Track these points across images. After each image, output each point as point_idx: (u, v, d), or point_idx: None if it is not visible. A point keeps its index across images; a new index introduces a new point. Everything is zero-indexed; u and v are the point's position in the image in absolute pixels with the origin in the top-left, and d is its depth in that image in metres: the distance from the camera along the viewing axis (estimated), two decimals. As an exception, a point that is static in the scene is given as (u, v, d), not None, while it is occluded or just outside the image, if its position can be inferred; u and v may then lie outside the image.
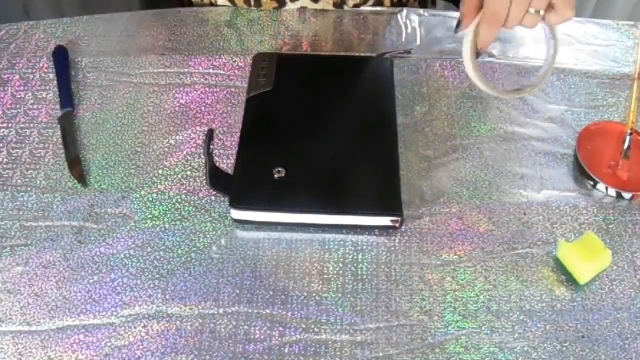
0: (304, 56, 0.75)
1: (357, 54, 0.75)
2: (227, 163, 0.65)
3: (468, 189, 0.63)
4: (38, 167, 0.65)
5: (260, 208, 0.59)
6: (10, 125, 0.69)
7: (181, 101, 0.71)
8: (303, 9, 0.81)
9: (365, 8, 0.81)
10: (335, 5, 0.80)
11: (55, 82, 0.73)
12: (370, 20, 0.80)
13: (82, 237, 0.60)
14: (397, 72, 0.73)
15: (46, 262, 0.58)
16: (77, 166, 0.65)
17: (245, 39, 0.77)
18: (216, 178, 0.60)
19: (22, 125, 0.69)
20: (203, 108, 0.70)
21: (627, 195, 0.62)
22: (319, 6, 0.80)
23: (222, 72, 0.73)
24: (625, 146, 0.65)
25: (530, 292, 0.56)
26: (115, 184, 0.64)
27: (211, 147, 0.59)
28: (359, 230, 0.60)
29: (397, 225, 0.59)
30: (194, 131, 0.68)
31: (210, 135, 0.59)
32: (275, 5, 0.80)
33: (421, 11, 0.81)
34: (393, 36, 0.78)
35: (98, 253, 0.59)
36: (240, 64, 0.74)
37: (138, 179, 0.64)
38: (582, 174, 0.64)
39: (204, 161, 0.62)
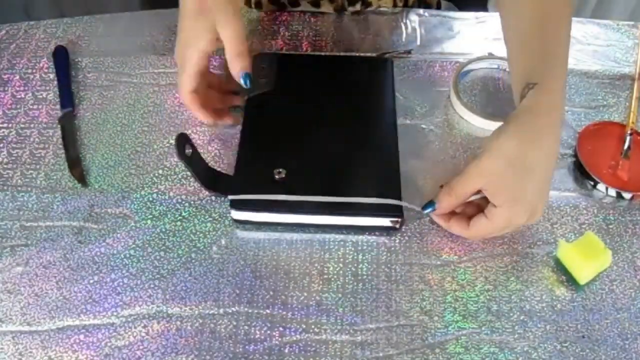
0: (304, 56, 0.75)
1: (357, 54, 0.75)
2: (227, 163, 0.65)
3: (468, 189, 0.63)
4: (38, 167, 0.65)
5: (261, 209, 0.59)
6: (10, 125, 0.69)
7: (181, 101, 0.70)
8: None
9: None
10: (335, 11, 0.80)
11: (55, 82, 0.73)
12: (371, 20, 0.79)
13: (82, 237, 0.60)
14: (397, 72, 0.73)
15: (46, 262, 0.58)
16: (77, 166, 0.65)
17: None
18: (214, 180, 0.60)
19: (22, 125, 0.69)
20: (203, 108, 0.70)
21: (627, 195, 0.62)
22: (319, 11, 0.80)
23: (222, 72, 0.73)
24: (625, 146, 0.65)
25: (530, 292, 0.56)
26: (115, 184, 0.64)
27: (188, 150, 0.57)
28: (359, 230, 0.60)
29: (397, 225, 0.59)
30: (194, 131, 0.68)
31: (181, 139, 0.56)
32: (274, 9, 0.80)
33: (421, 11, 0.81)
34: (393, 36, 0.78)
35: (98, 253, 0.59)
36: (240, 64, 0.74)
37: (138, 179, 0.64)
38: (582, 174, 0.64)
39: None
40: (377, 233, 0.60)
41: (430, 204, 0.57)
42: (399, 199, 0.58)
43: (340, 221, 0.59)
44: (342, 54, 0.76)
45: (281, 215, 0.59)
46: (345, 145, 0.63)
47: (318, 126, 0.64)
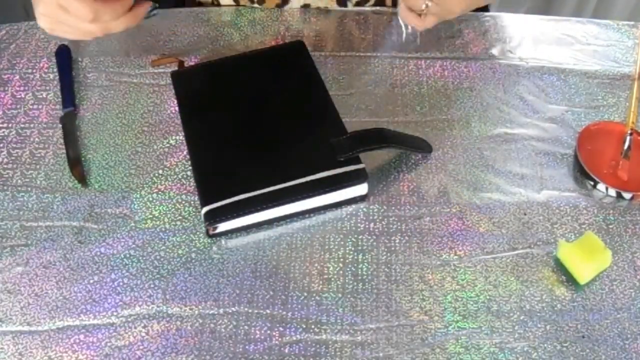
0: (220, 62, 0.72)
1: (357, 54, 0.75)
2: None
3: (468, 189, 0.63)
4: (38, 167, 0.66)
5: (234, 214, 0.58)
6: (10, 125, 0.69)
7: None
8: (306, 7, 0.81)
9: (366, 8, 0.81)
10: (338, 3, 0.80)
11: (55, 82, 0.73)
12: (371, 20, 0.79)
13: (82, 237, 0.60)
14: (398, 73, 0.73)
15: (46, 262, 0.58)
16: (77, 166, 0.65)
17: (246, 39, 0.77)
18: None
19: (22, 125, 0.69)
20: (203, 108, 0.70)
21: (627, 195, 0.62)
22: (321, 3, 0.80)
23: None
24: (625, 146, 0.65)
25: (530, 292, 0.56)
26: (115, 184, 0.64)
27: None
28: (333, 206, 0.61)
29: (365, 192, 0.61)
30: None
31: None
32: (278, 1, 0.80)
33: (421, 11, 0.80)
34: (393, 36, 0.78)
35: (98, 253, 0.59)
36: (240, 64, 0.74)
37: (138, 179, 0.64)
38: (582, 174, 0.64)
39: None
40: (376, 233, 0.60)
41: None
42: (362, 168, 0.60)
43: (312, 204, 0.60)
44: (342, 53, 0.76)
45: (256, 215, 0.59)
46: (290, 130, 0.64)
47: (258, 126, 0.65)
